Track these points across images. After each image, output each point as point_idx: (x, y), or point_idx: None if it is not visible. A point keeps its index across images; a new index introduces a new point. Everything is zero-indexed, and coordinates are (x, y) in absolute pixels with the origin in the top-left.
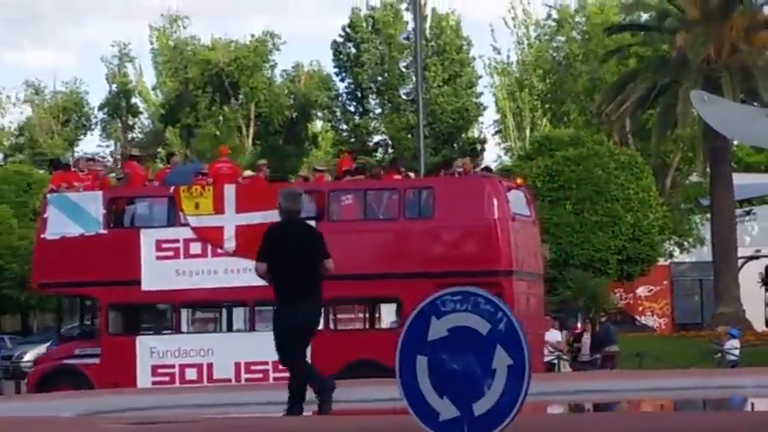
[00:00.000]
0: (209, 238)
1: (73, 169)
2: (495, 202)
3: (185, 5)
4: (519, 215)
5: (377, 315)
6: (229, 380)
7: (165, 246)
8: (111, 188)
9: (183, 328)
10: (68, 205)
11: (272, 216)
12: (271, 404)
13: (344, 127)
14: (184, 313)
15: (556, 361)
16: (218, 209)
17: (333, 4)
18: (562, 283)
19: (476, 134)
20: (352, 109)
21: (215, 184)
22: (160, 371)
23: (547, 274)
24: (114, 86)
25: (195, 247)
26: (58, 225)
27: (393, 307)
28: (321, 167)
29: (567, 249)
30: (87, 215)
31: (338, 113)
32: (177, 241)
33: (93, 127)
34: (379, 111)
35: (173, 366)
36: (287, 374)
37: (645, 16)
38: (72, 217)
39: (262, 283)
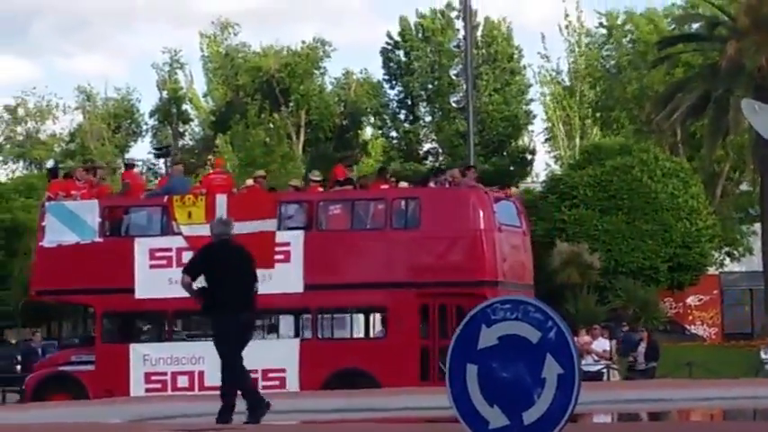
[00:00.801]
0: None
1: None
2: (481, 212)
3: (236, 12)
4: (507, 226)
5: (364, 324)
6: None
7: (158, 254)
8: (106, 197)
9: (176, 336)
10: (65, 213)
11: (265, 226)
12: (313, 412)
13: (394, 134)
14: (177, 321)
15: (605, 370)
16: (210, 218)
17: (383, 12)
18: (612, 292)
19: (526, 142)
20: (402, 116)
21: (208, 194)
22: (153, 378)
23: (597, 282)
24: (165, 93)
25: (187, 256)
26: (56, 233)
27: (380, 316)
28: (316, 177)
29: (617, 257)
30: (83, 223)
31: (388, 121)
32: (170, 250)
33: (143, 134)
34: (429, 118)
35: (165, 374)
36: (275, 383)
37: (695, 25)
38: (69, 225)
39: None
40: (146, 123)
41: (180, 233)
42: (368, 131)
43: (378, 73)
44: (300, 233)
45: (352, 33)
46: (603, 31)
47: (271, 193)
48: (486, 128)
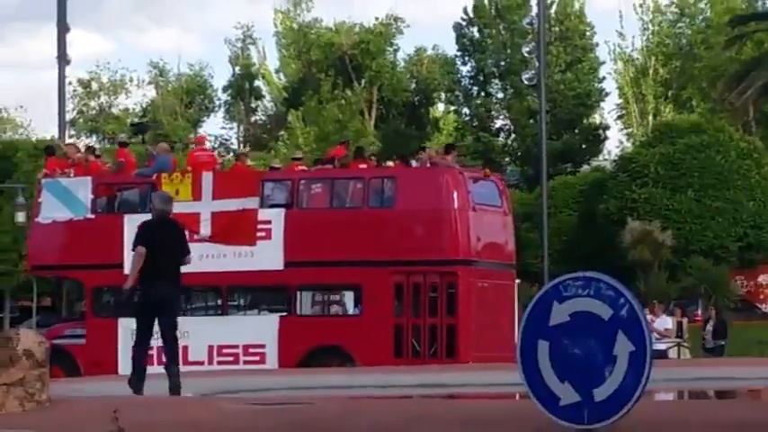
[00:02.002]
0: (186, 224)
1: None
2: (455, 192)
3: None
4: (485, 205)
5: (340, 301)
6: (202, 362)
7: None
8: (99, 174)
9: None
10: (60, 190)
11: (248, 203)
12: (386, 387)
13: (466, 111)
14: None
15: (669, 348)
16: (196, 195)
17: None
18: (683, 270)
19: (597, 120)
20: (474, 93)
21: (194, 172)
22: None
23: (668, 260)
24: (237, 69)
25: None
26: (51, 209)
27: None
28: (299, 156)
29: (688, 236)
30: (77, 200)
31: (460, 97)
32: None
33: (216, 109)
34: (501, 95)
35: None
36: (255, 359)
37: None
38: (63, 202)
39: (236, 268)
40: (218, 99)
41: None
42: (440, 108)
43: (450, 49)
44: (282, 211)
45: (425, 10)
46: (676, 8)
47: (254, 172)
48: (558, 105)
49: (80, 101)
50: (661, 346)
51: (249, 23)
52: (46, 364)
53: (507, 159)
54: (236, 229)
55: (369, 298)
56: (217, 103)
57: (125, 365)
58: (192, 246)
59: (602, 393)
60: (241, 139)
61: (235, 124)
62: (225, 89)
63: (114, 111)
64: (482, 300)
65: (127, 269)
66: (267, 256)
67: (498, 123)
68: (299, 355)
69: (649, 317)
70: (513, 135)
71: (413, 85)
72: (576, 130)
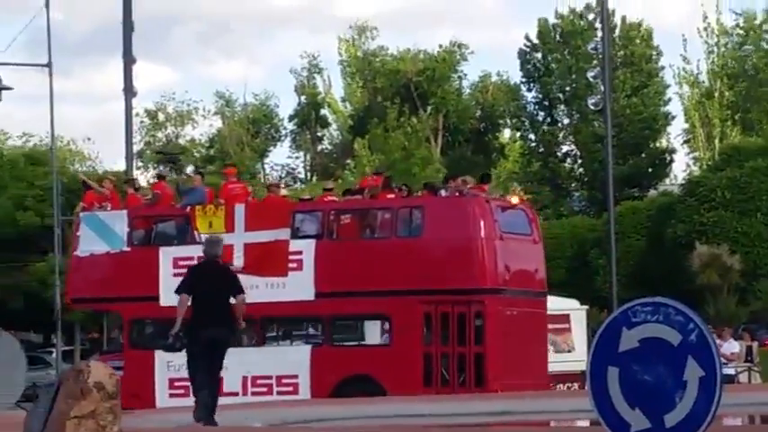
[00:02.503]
0: None
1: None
2: (481, 221)
3: (374, 16)
4: (514, 234)
5: (370, 331)
6: (237, 393)
7: (180, 263)
8: (134, 207)
9: None
10: (97, 223)
11: (280, 235)
12: (454, 415)
13: (532, 137)
14: None
15: (739, 372)
16: (229, 227)
17: (519, 14)
18: (752, 294)
19: (664, 144)
20: (539, 119)
21: (226, 204)
22: (176, 384)
23: (736, 284)
24: (303, 98)
25: None
26: (89, 243)
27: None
28: (329, 187)
29: (757, 259)
30: (113, 233)
31: (526, 123)
32: (192, 259)
33: (282, 138)
34: (566, 121)
35: (187, 380)
36: (288, 389)
37: None
38: (100, 235)
39: (269, 299)
40: (284, 128)
41: (201, 242)
42: (505, 134)
43: (515, 75)
44: (312, 242)
45: (490, 36)
46: (741, 31)
47: (285, 203)
48: (624, 130)
49: (147, 132)
50: (730, 371)
51: (315, 53)
52: (117, 396)
53: (574, 185)
54: (268, 261)
55: (398, 327)
56: (283, 132)
57: (161, 397)
58: None
59: (672, 419)
60: (308, 168)
61: (301, 153)
62: (291, 118)
63: (181, 141)
64: (511, 328)
65: (163, 302)
66: (298, 286)
67: (564, 149)
68: (330, 385)
69: (717, 341)
70: (579, 160)
71: (478, 112)
72: (643, 155)
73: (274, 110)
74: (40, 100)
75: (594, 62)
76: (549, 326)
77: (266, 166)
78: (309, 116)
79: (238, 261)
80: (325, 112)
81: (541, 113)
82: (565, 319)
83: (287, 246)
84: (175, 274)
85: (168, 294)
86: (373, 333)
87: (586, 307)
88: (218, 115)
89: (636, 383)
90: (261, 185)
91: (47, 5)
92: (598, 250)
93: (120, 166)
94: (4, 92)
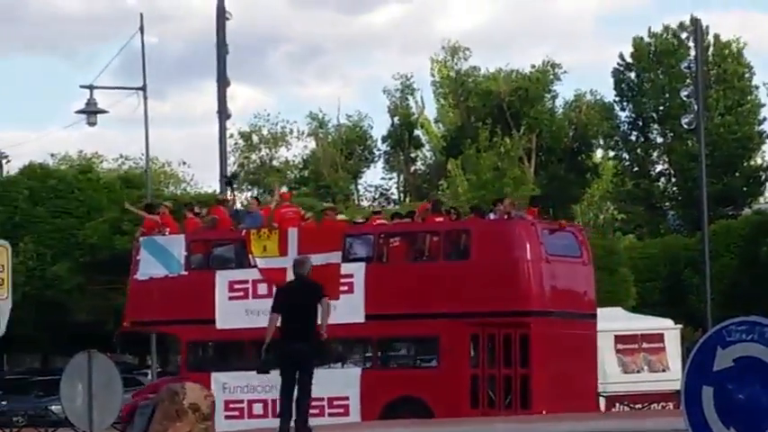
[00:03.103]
0: (274, 279)
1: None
2: (527, 243)
3: (466, 37)
4: (562, 256)
5: (418, 353)
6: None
7: (236, 286)
8: (192, 232)
9: (251, 365)
10: (156, 248)
11: (332, 258)
12: None
13: (626, 156)
14: (253, 351)
15: None
16: (283, 251)
17: (613, 33)
18: None
19: (758, 162)
20: (633, 138)
21: (280, 228)
22: (231, 405)
23: None
24: (396, 119)
25: (262, 288)
26: (148, 266)
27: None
28: (378, 210)
29: None
30: (171, 257)
31: (619, 142)
32: (247, 282)
33: (375, 160)
34: (660, 140)
35: (242, 401)
36: (339, 411)
37: None
38: (159, 259)
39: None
40: (378, 149)
41: (255, 266)
42: (599, 153)
43: (609, 94)
44: (362, 265)
45: (582, 55)
46: None
47: (337, 226)
48: (718, 148)
49: (241, 154)
50: None
51: (407, 73)
52: (211, 418)
53: (668, 204)
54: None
55: (446, 349)
56: (376, 153)
57: (218, 419)
58: None
59: None
60: (401, 189)
61: (394, 174)
62: (384, 139)
63: (275, 163)
64: (557, 350)
65: (219, 325)
66: (349, 309)
67: (658, 168)
68: (379, 407)
69: None
70: (673, 179)
71: (571, 132)
72: (737, 173)
73: (367, 131)
74: (134, 123)
75: (688, 81)
76: (644, 345)
77: (360, 187)
78: (402, 137)
79: None
80: (418, 132)
81: (635, 133)
82: (659, 338)
83: (338, 269)
84: (231, 298)
85: (224, 318)
86: (422, 355)
87: (680, 326)
88: (312, 137)
89: (731, 403)
90: (355, 207)
91: (141, 29)
92: (692, 269)
93: (215, 188)
94: (99, 115)
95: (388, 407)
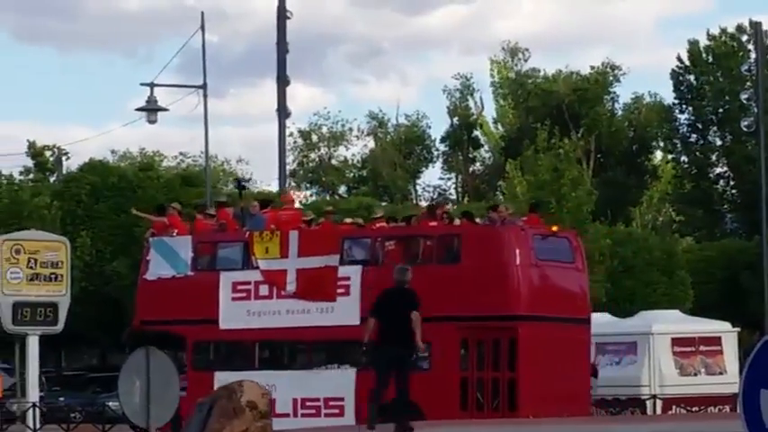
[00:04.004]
0: (275, 281)
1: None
2: (516, 249)
3: (526, 38)
4: (554, 261)
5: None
6: (288, 415)
7: (239, 287)
8: (199, 233)
9: (252, 364)
10: (165, 248)
11: (330, 261)
12: None
13: (685, 158)
14: (254, 351)
15: None
16: (284, 253)
17: (673, 35)
18: None
19: None
20: (692, 140)
21: (282, 231)
22: None
23: None
24: (456, 119)
25: (264, 289)
26: (157, 267)
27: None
28: (378, 215)
29: None
30: (179, 258)
31: (678, 145)
32: (249, 283)
33: (434, 159)
34: (719, 142)
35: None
36: (335, 411)
37: None
38: (167, 259)
39: (318, 323)
40: (436, 149)
41: (257, 267)
42: (658, 155)
43: (668, 96)
44: (359, 268)
45: (642, 57)
46: None
47: (335, 229)
48: None
49: (300, 152)
50: None
51: (467, 74)
52: (268, 416)
53: (726, 206)
54: (318, 286)
55: (437, 353)
56: (435, 153)
57: None
58: (280, 302)
59: None
60: (459, 189)
61: (453, 174)
62: (443, 140)
63: (334, 162)
64: (546, 354)
65: (222, 325)
66: (345, 311)
67: (717, 170)
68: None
69: None
70: (732, 182)
71: (631, 134)
72: None
73: (426, 131)
74: (194, 121)
75: (748, 84)
76: (701, 348)
77: (418, 187)
78: (461, 137)
79: (291, 286)
80: (477, 133)
81: (694, 135)
82: (716, 341)
83: (336, 271)
84: (234, 298)
85: (227, 318)
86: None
87: (738, 329)
88: (371, 136)
89: None
90: (413, 207)
91: (202, 28)
92: (750, 272)
93: (274, 186)
94: (159, 113)
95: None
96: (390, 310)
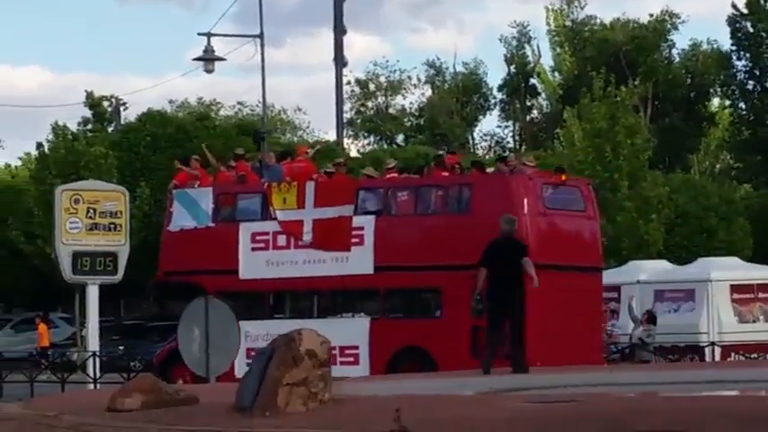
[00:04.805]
0: (292, 231)
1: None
2: (525, 198)
3: None
4: (564, 210)
5: (423, 304)
6: None
7: (258, 238)
8: (220, 184)
9: (271, 314)
10: (187, 200)
11: (344, 211)
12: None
13: (742, 105)
14: (273, 300)
15: None
16: (301, 204)
17: None
18: None
19: None
20: (750, 87)
21: (298, 182)
22: (253, 354)
23: None
24: (513, 67)
25: (281, 240)
26: (179, 218)
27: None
28: (391, 165)
29: None
30: (200, 209)
31: (736, 92)
32: (267, 234)
33: (491, 108)
34: None
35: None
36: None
37: None
38: (189, 211)
39: (334, 273)
40: (494, 97)
41: (275, 218)
42: (715, 102)
43: (726, 43)
44: (372, 218)
45: (700, 4)
46: None
47: (350, 181)
48: None
49: (357, 101)
50: None
51: (524, 22)
52: (328, 364)
53: None
54: (333, 236)
55: (448, 301)
56: (492, 101)
57: (240, 367)
58: (297, 252)
59: None
60: (517, 138)
61: (510, 123)
62: (500, 88)
63: (391, 111)
64: (555, 303)
65: (242, 275)
66: (360, 260)
67: None
68: (387, 357)
69: None
70: None
71: (688, 81)
72: None
73: (483, 79)
74: (251, 70)
75: None
76: (760, 295)
77: (475, 135)
78: (519, 86)
79: (307, 236)
80: (534, 81)
81: (751, 82)
82: None
83: (350, 222)
84: (253, 249)
85: (247, 268)
86: (426, 306)
87: None
88: (428, 84)
89: None
90: (470, 155)
91: None
92: None
93: (331, 135)
94: (216, 63)
95: (394, 356)
96: (500, 259)
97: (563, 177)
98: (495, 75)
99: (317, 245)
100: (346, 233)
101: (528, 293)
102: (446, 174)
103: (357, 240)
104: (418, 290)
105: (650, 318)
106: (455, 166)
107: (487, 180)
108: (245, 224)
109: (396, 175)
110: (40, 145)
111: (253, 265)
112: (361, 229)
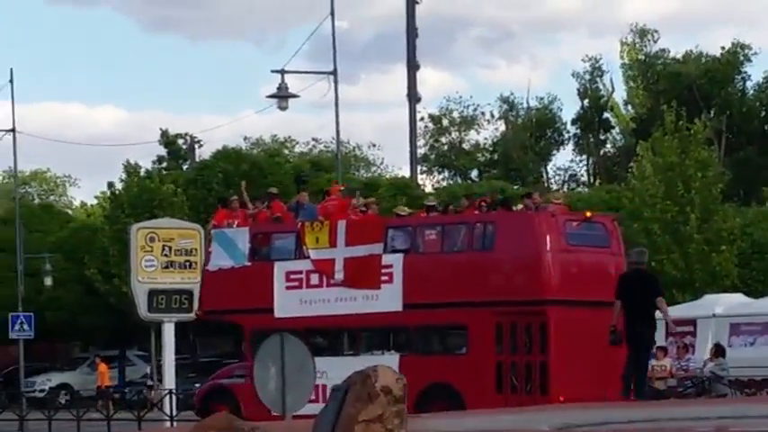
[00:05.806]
0: (324, 270)
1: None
2: (547, 235)
3: (655, 19)
4: (587, 246)
5: (449, 341)
6: None
7: (292, 277)
8: (255, 224)
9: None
10: (225, 240)
11: (374, 249)
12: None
13: None
14: (306, 338)
15: None
16: (333, 242)
17: None
18: None
19: None
20: None
21: (330, 220)
22: None
23: None
24: (586, 101)
25: (314, 278)
26: (218, 258)
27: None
28: (431, 203)
29: None
30: (237, 249)
31: None
32: (301, 272)
33: (565, 142)
34: None
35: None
36: None
37: None
38: (227, 251)
39: (365, 311)
40: (567, 132)
41: (308, 257)
42: None
43: None
44: (401, 256)
45: None
46: None
47: (380, 219)
48: None
49: (431, 137)
50: None
51: (596, 56)
52: (403, 401)
53: None
54: (363, 274)
55: (474, 337)
56: (566, 136)
57: None
58: (329, 290)
59: None
60: (590, 171)
61: (584, 157)
62: (573, 122)
63: (465, 146)
64: (578, 338)
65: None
66: (389, 298)
67: None
68: (416, 392)
69: None
70: None
71: (763, 113)
72: None
73: (557, 113)
74: (325, 107)
75: None
76: None
77: (549, 169)
78: (592, 120)
79: (339, 274)
80: (607, 115)
81: None
82: None
83: (380, 260)
84: (288, 288)
85: (281, 306)
86: (452, 342)
87: None
88: (502, 119)
89: None
90: (544, 189)
91: (332, 14)
92: None
93: (405, 171)
94: (290, 99)
95: (423, 392)
96: (633, 293)
97: (587, 214)
98: (569, 109)
99: (348, 283)
100: (376, 271)
101: (551, 330)
102: (472, 212)
103: (386, 278)
104: (445, 326)
105: (719, 351)
106: (482, 204)
107: (511, 218)
108: (280, 263)
109: (424, 213)
110: (111, 184)
111: (287, 303)
112: (390, 266)
